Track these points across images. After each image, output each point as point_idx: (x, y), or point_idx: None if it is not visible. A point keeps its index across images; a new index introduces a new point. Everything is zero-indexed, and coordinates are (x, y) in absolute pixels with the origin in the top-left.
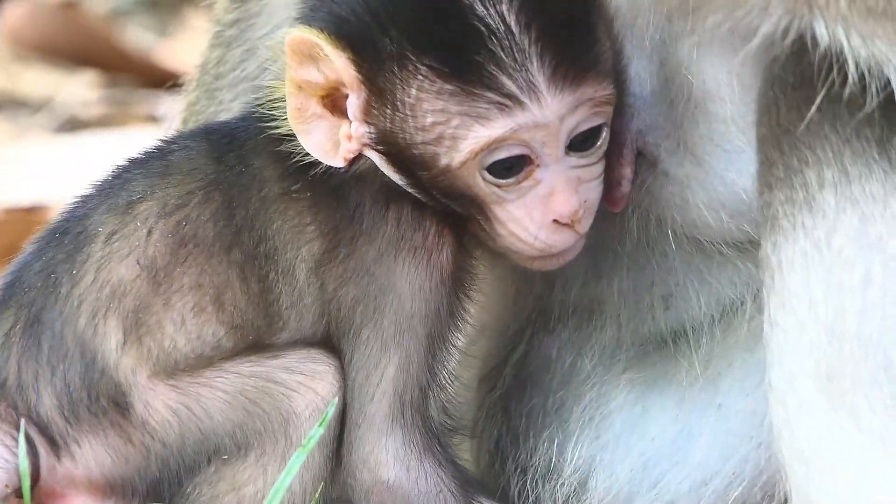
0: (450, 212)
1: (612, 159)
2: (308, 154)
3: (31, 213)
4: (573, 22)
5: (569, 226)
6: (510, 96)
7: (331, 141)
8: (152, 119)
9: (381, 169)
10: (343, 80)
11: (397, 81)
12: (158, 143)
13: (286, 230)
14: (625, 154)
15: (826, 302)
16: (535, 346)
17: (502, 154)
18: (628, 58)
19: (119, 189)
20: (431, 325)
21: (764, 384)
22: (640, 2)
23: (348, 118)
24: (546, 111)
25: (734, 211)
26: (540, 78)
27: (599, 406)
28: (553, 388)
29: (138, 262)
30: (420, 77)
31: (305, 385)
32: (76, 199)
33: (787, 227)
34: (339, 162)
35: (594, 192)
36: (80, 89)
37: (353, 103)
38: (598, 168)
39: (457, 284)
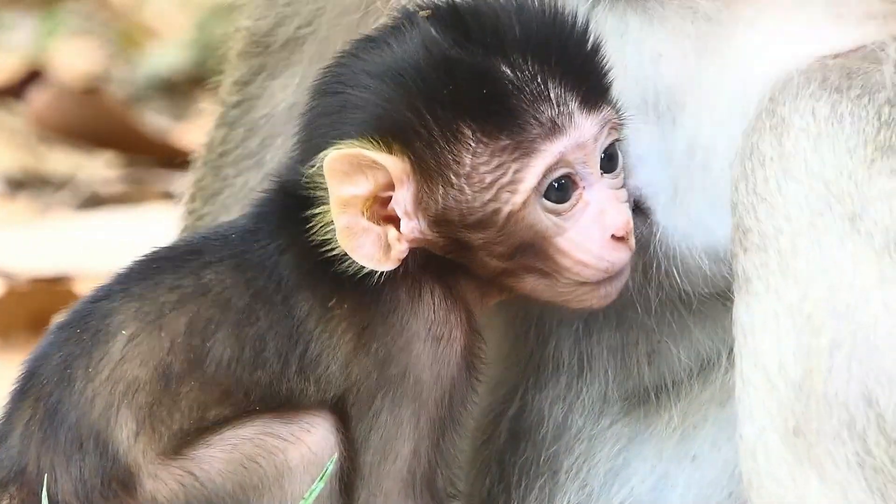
0: (497, 282)
1: None
2: (349, 265)
3: (54, 284)
4: (588, 59)
5: (624, 240)
6: (553, 127)
7: (381, 248)
8: (168, 196)
9: (434, 251)
10: (391, 180)
11: (450, 157)
12: (187, 244)
13: (320, 345)
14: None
15: (795, 362)
16: (529, 402)
17: (554, 176)
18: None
19: (147, 293)
20: (446, 409)
21: (735, 437)
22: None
23: (394, 221)
24: (583, 131)
25: (719, 258)
26: (573, 106)
27: (587, 458)
28: (547, 443)
29: (156, 369)
30: (472, 144)
31: (299, 438)
32: (99, 290)
33: (761, 291)
34: (391, 265)
35: (629, 210)
36: (100, 168)
37: (402, 200)
38: (625, 192)
39: (471, 370)
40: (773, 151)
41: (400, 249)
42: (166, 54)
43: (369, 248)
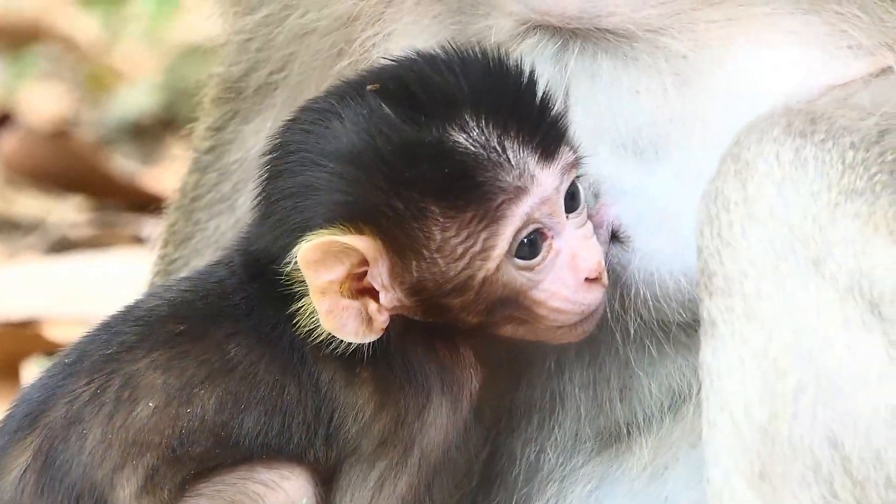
0: (480, 333)
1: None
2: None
3: (24, 328)
4: (540, 109)
5: (598, 280)
6: (516, 190)
7: (364, 322)
8: (138, 240)
9: (413, 318)
10: (365, 259)
11: (419, 234)
12: (206, 308)
13: (344, 411)
14: (600, 234)
15: (760, 406)
16: (501, 444)
17: (522, 236)
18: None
19: (174, 362)
20: (444, 456)
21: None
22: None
23: (372, 293)
24: (546, 186)
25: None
26: (531, 164)
27: (559, 500)
28: (518, 485)
29: (173, 438)
30: (440, 220)
31: (278, 484)
32: (113, 340)
33: (726, 335)
34: (375, 336)
35: (598, 246)
36: (69, 212)
37: (378, 275)
38: (590, 226)
39: (475, 418)
40: (737, 196)
41: (381, 320)
42: (135, 97)
43: (352, 323)
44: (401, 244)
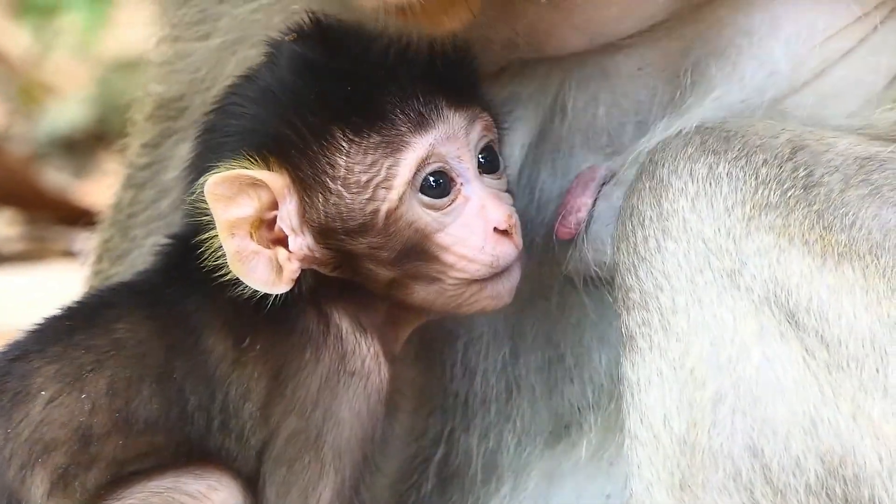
0: (391, 296)
1: (577, 189)
2: (252, 295)
3: None
4: (455, 60)
5: (508, 234)
6: (421, 121)
7: (273, 271)
8: (69, 254)
9: (324, 272)
10: (273, 198)
11: (324, 162)
12: (98, 297)
13: (237, 390)
14: (591, 186)
15: (679, 417)
16: (455, 444)
17: (428, 171)
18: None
19: (64, 353)
20: (366, 447)
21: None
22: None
23: (283, 241)
24: (452, 124)
25: None
26: (441, 101)
27: (512, 499)
28: (475, 485)
29: (76, 431)
30: (344, 145)
31: (206, 496)
32: (13, 347)
33: (644, 348)
34: (285, 286)
35: (508, 204)
36: (1, 226)
37: (287, 216)
38: (509, 194)
39: (389, 403)
40: (652, 212)
41: (292, 269)
42: (67, 111)
43: (261, 271)
44: (307, 176)
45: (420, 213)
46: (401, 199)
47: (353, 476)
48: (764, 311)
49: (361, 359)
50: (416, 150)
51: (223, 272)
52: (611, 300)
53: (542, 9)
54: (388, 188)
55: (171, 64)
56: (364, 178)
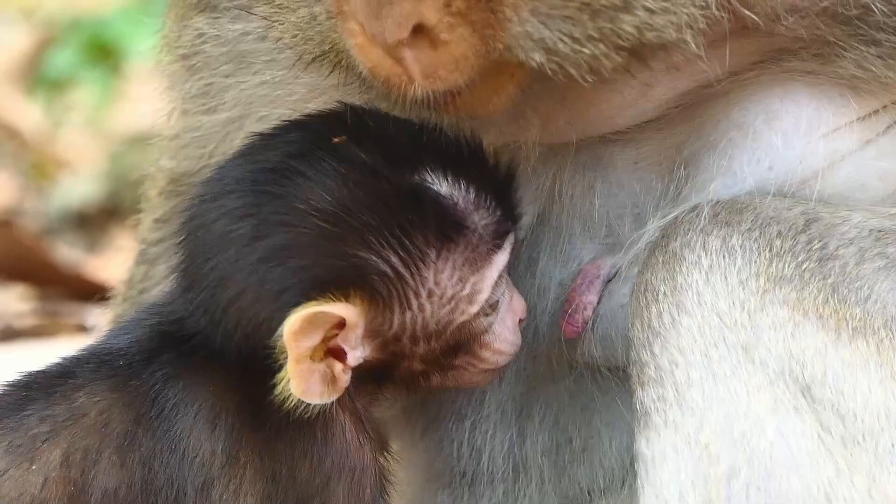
0: (408, 382)
1: (581, 286)
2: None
3: None
4: (504, 174)
5: (523, 321)
6: (502, 236)
7: (327, 383)
8: (82, 329)
9: (363, 369)
10: (342, 322)
11: (413, 281)
12: (59, 367)
13: (225, 487)
14: (596, 284)
15: (694, 492)
16: None
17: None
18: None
19: (19, 424)
20: None
21: None
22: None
23: (338, 353)
24: (512, 237)
25: None
26: (505, 214)
27: None
28: None
29: (16, 501)
30: (435, 263)
31: None
32: None
33: (659, 424)
34: (336, 395)
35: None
36: (13, 302)
37: (353, 338)
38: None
39: (383, 491)
40: (665, 287)
41: (346, 379)
42: (79, 186)
43: (317, 385)
44: (389, 299)
45: (481, 319)
46: (480, 310)
47: None
48: (779, 384)
49: (362, 454)
50: (498, 266)
51: (287, 402)
52: (617, 386)
53: (545, 101)
54: (470, 303)
55: (180, 138)
56: (450, 293)
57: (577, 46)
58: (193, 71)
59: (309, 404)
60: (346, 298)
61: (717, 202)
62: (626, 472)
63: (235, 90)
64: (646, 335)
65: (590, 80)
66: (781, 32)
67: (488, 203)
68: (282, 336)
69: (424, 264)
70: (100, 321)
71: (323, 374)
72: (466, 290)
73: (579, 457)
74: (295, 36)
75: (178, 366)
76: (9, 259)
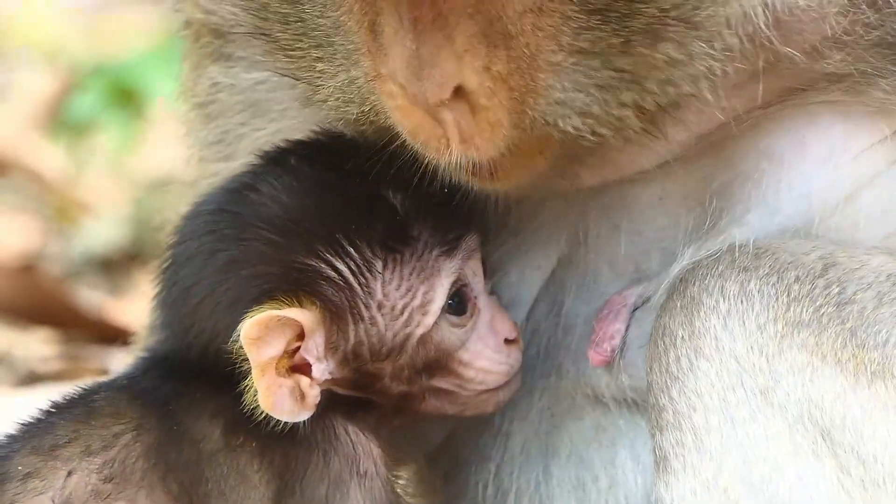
0: (402, 407)
1: (608, 315)
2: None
3: None
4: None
5: (515, 342)
6: (450, 245)
7: (296, 399)
8: (105, 373)
9: (339, 392)
10: (301, 333)
11: (362, 291)
12: (81, 389)
13: (233, 477)
14: (623, 312)
15: None
16: None
17: (453, 291)
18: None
19: (43, 432)
20: None
21: None
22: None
23: (304, 368)
24: (469, 244)
25: None
26: (459, 223)
27: None
28: None
29: (52, 500)
30: (381, 273)
31: None
32: (1, 441)
33: (678, 468)
34: (308, 412)
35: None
36: (36, 345)
37: (313, 346)
38: (496, 297)
39: (394, 498)
40: (683, 331)
41: (314, 395)
42: (102, 230)
43: (287, 402)
44: (340, 307)
45: (446, 332)
46: (434, 322)
47: None
48: (798, 429)
49: (371, 461)
50: (449, 275)
51: (259, 413)
52: (643, 422)
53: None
54: (423, 313)
55: (197, 185)
56: (400, 304)
57: (608, 109)
58: (209, 119)
59: (301, 420)
60: (300, 304)
61: (735, 246)
62: None
63: (250, 138)
64: (664, 379)
65: (619, 139)
66: (817, 69)
67: (433, 212)
68: (239, 341)
69: (371, 274)
70: (123, 365)
71: (291, 389)
72: (417, 301)
73: (605, 494)
74: (337, 99)
75: (177, 384)
76: (31, 303)
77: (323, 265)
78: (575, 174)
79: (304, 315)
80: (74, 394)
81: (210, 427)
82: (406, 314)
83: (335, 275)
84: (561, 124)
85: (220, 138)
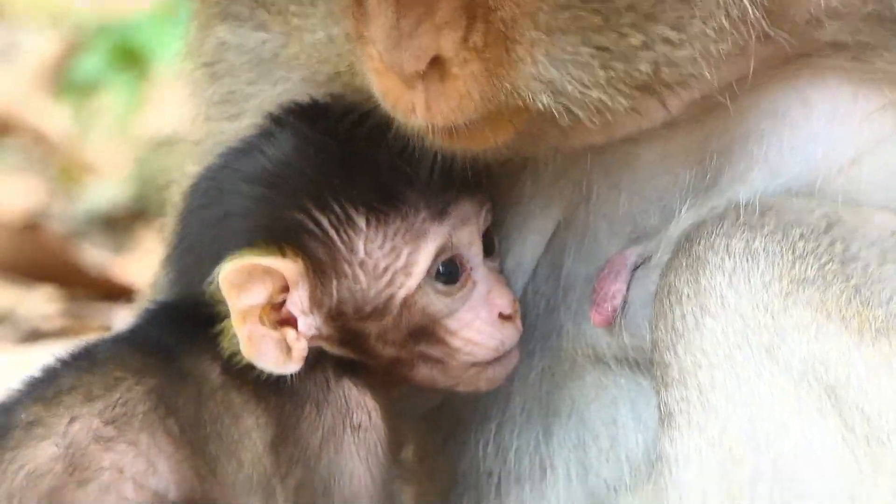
0: (393, 373)
1: (609, 275)
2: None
3: None
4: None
5: (511, 319)
6: (440, 208)
7: (282, 351)
8: (108, 330)
9: (329, 350)
10: (285, 283)
11: (343, 247)
12: (84, 344)
13: (230, 416)
14: (623, 272)
15: (718, 494)
16: None
17: (444, 258)
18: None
19: (47, 384)
20: (378, 497)
21: None
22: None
23: (291, 322)
24: (466, 211)
25: None
26: (456, 188)
27: None
28: None
29: (56, 445)
30: (365, 230)
31: None
32: (6, 395)
33: (683, 425)
34: (295, 366)
35: (511, 290)
36: (40, 303)
37: (298, 300)
38: (503, 274)
39: (394, 456)
40: (689, 289)
41: (300, 348)
42: (106, 189)
43: (271, 353)
44: (323, 262)
45: (433, 298)
46: (418, 287)
47: None
48: (802, 386)
49: (366, 413)
50: (436, 239)
51: (238, 360)
52: (644, 381)
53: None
54: (407, 275)
55: (203, 144)
56: (383, 263)
57: (585, 90)
58: (216, 78)
59: (291, 371)
60: (282, 255)
61: (740, 204)
62: (653, 468)
63: (258, 98)
64: (669, 337)
65: (596, 122)
66: (819, 38)
67: (424, 176)
68: (216, 282)
69: (354, 231)
70: (125, 322)
71: (277, 341)
72: (401, 262)
73: (606, 453)
74: (311, 56)
75: (180, 332)
76: (36, 261)
77: (307, 219)
78: (576, 135)
79: (286, 266)
80: (79, 348)
81: (209, 369)
82: (389, 274)
83: (318, 230)
84: (531, 100)
85: (226, 98)
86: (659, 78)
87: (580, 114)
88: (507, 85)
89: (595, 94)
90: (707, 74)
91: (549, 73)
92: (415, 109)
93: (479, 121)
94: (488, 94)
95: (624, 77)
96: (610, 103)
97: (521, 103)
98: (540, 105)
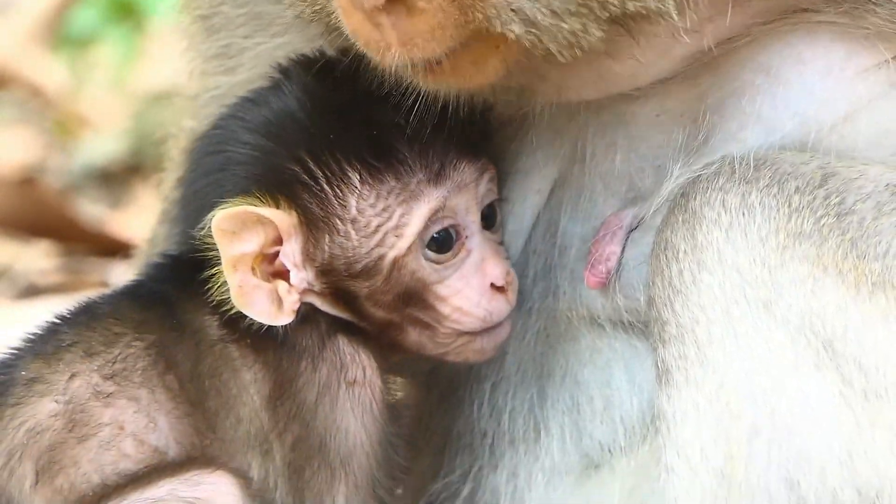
0: (385, 336)
1: (604, 237)
2: (251, 322)
3: None
4: (467, 114)
5: (503, 291)
6: (437, 171)
7: (274, 303)
8: (105, 286)
9: (321, 308)
10: (278, 234)
11: (336, 202)
12: (85, 300)
13: (228, 370)
14: (618, 234)
15: (716, 449)
16: (482, 482)
17: (437, 227)
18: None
19: (47, 340)
20: (374, 452)
21: None
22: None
23: (283, 275)
24: (464, 177)
25: None
26: (455, 152)
27: None
28: None
29: (56, 402)
30: (358, 187)
31: (206, 501)
32: (7, 353)
33: (681, 381)
34: (286, 319)
35: (507, 262)
36: (37, 259)
37: (290, 253)
38: (503, 248)
39: (390, 413)
40: (686, 245)
41: (292, 301)
42: (102, 143)
43: (263, 304)
44: (316, 216)
45: (423, 263)
46: (409, 248)
47: (366, 478)
48: (800, 341)
49: (360, 369)
50: (430, 202)
51: (229, 307)
52: (639, 343)
53: (556, 66)
54: (398, 236)
55: (199, 99)
56: (375, 222)
57: (555, 21)
58: (212, 32)
59: (291, 322)
60: (276, 205)
61: (735, 158)
62: (648, 430)
63: (254, 51)
64: (667, 293)
65: (567, 56)
66: None
67: (425, 137)
68: (209, 230)
69: (347, 187)
70: (123, 277)
71: (269, 292)
72: (393, 222)
73: (601, 415)
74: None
75: (180, 284)
76: (32, 216)
77: (302, 171)
78: (569, 86)
79: (279, 216)
80: (79, 304)
81: (208, 322)
82: (380, 234)
83: (313, 182)
84: (502, 29)
85: (222, 51)
86: (624, 8)
87: (551, 46)
88: (480, 14)
89: (566, 24)
90: (673, 12)
91: (518, 1)
92: (389, 46)
93: (459, 52)
94: (461, 23)
95: (595, 7)
96: (581, 33)
97: (493, 33)
98: (511, 34)
